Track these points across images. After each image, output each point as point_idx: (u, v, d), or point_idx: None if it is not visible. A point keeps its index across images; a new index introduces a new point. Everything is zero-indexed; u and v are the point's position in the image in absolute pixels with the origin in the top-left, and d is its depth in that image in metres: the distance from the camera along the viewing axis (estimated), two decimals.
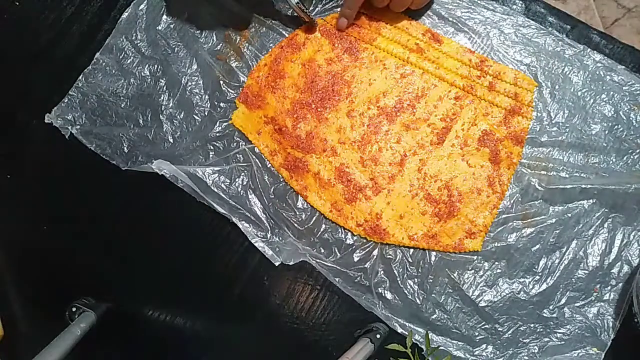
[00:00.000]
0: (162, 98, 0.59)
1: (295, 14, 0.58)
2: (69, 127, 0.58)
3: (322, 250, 0.56)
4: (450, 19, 0.59)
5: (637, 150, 0.56)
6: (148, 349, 0.58)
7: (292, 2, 0.55)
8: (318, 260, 0.54)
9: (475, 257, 0.55)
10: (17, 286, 0.58)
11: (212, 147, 0.58)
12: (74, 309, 0.55)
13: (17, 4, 0.62)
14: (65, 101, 0.59)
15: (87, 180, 0.59)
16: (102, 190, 0.59)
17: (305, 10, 0.56)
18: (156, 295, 0.58)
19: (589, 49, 0.58)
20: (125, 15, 0.60)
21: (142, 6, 0.60)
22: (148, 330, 0.57)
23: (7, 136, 0.60)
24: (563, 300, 0.53)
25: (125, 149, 0.58)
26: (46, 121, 0.58)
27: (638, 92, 0.57)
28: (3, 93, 0.61)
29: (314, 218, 0.56)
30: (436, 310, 0.54)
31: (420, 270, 0.55)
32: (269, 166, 0.57)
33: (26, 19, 0.61)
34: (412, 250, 0.55)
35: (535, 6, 0.60)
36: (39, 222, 0.59)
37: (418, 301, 0.54)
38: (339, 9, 0.59)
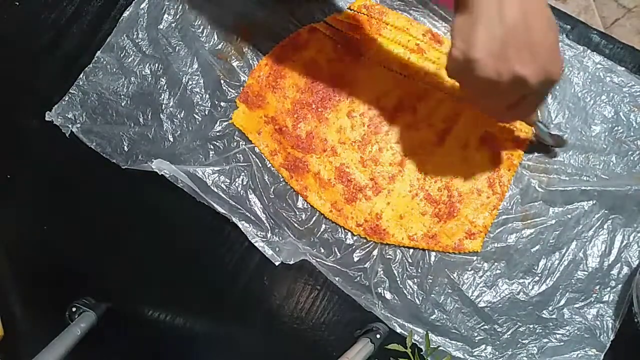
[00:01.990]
0: (162, 97, 0.59)
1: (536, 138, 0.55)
2: (70, 126, 0.58)
3: (322, 250, 0.56)
4: (451, 19, 0.59)
5: (637, 152, 0.56)
6: (148, 349, 0.58)
7: (544, 130, 0.52)
8: (318, 260, 0.54)
9: (474, 258, 0.55)
10: (17, 286, 0.58)
11: (212, 147, 0.58)
12: (74, 309, 0.54)
13: (17, 4, 0.62)
14: (66, 99, 0.59)
15: (87, 179, 0.59)
16: (102, 190, 0.59)
17: (552, 133, 0.54)
18: (156, 295, 0.58)
19: (589, 51, 0.58)
20: (126, 13, 0.60)
21: (143, 5, 0.60)
22: (148, 330, 0.57)
23: (7, 136, 0.60)
24: (562, 301, 0.53)
25: (125, 147, 0.58)
26: (47, 119, 0.58)
27: (638, 93, 0.56)
28: (3, 92, 0.61)
29: (314, 218, 0.56)
30: (435, 311, 0.54)
31: (419, 271, 0.55)
32: (269, 166, 0.57)
33: (26, 19, 0.61)
34: (411, 250, 0.55)
35: None
36: (39, 222, 0.59)
37: (417, 301, 0.54)
38: (339, 10, 0.59)
